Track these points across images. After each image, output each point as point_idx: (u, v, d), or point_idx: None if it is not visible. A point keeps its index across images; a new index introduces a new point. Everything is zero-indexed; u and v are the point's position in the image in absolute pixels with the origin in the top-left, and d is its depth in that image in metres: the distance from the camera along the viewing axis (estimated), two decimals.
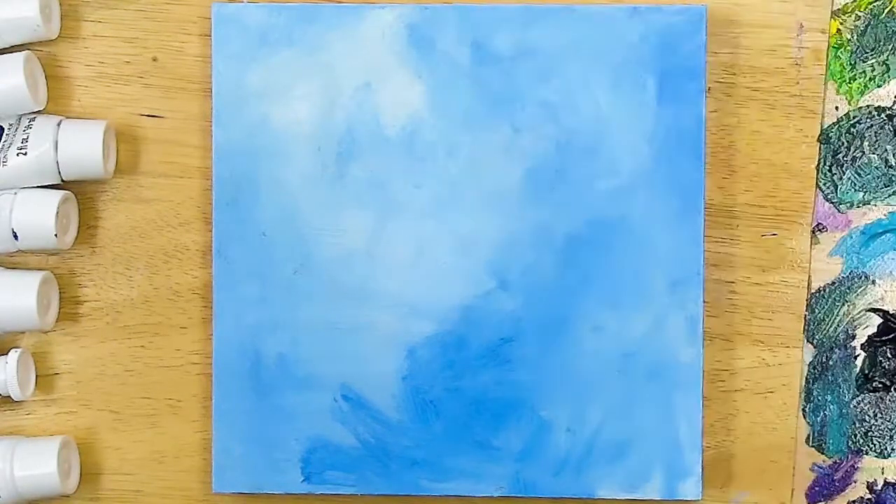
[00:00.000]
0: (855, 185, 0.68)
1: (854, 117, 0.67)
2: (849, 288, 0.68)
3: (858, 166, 0.68)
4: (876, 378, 0.68)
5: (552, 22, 0.65)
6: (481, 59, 0.66)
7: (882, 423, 0.68)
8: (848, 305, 0.68)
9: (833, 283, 0.68)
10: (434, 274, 0.66)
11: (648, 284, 0.66)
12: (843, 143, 0.67)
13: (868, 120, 0.67)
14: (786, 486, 0.68)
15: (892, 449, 0.68)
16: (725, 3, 0.67)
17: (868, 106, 0.68)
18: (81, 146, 0.65)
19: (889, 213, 0.68)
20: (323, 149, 0.66)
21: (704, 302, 0.66)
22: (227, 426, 0.66)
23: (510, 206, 0.66)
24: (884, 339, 0.68)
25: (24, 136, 0.65)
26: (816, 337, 0.68)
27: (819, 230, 0.68)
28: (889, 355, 0.68)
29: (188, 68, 0.68)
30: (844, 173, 0.68)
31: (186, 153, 0.68)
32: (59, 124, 0.65)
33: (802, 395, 0.68)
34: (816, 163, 0.67)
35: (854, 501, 0.69)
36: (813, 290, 0.68)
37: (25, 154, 0.65)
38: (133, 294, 0.68)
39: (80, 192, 0.68)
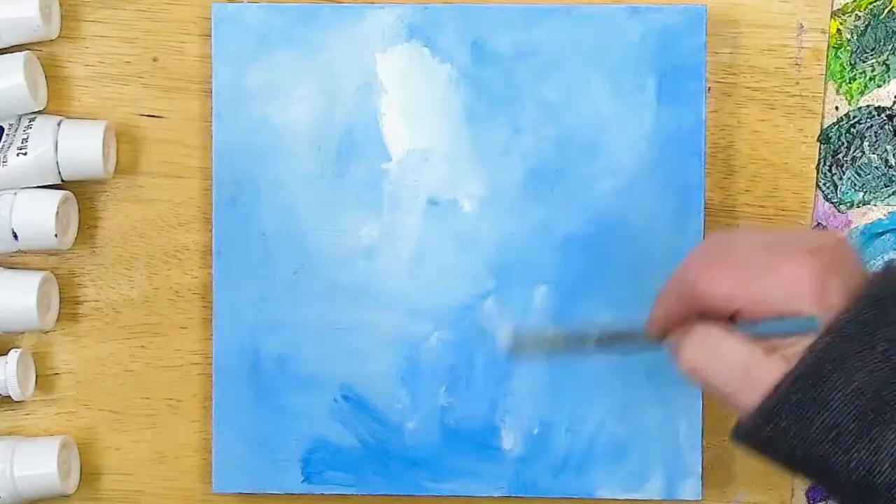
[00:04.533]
0: (855, 185, 0.68)
1: (854, 117, 0.67)
2: None
3: (858, 166, 0.68)
4: None
5: (552, 22, 0.65)
6: (481, 59, 0.66)
7: None
8: None
9: None
10: (434, 274, 0.66)
11: (648, 284, 0.65)
12: (843, 143, 0.68)
13: (868, 120, 0.67)
14: (786, 486, 0.68)
15: None
16: (725, 3, 0.67)
17: (868, 106, 0.68)
18: (81, 146, 0.65)
19: (889, 213, 0.68)
20: (323, 149, 0.66)
21: None
22: (227, 426, 0.66)
23: (510, 206, 0.66)
24: None
25: (24, 136, 0.65)
26: None
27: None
28: None
29: (188, 68, 0.68)
30: (844, 173, 0.68)
31: (186, 153, 0.68)
32: (59, 124, 0.65)
33: None
34: (816, 163, 0.67)
35: None
36: None
37: (25, 154, 0.65)
38: (133, 294, 0.68)
39: (80, 192, 0.68)
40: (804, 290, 0.50)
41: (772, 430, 0.48)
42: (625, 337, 0.58)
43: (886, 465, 0.46)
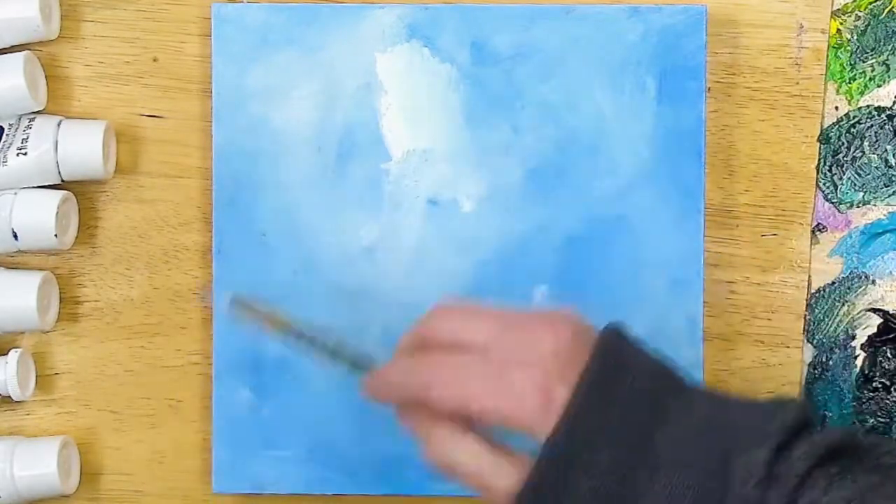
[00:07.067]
0: (855, 185, 0.68)
1: (854, 117, 0.67)
2: (849, 288, 0.68)
3: (858, 166, 0.68)
4: (876, 378, 0.68)
5: (552, 22, 0.65)
6: (481, 59, 0.66)
7: (882, 423, 0.68)
8: (848, 305, 0.68)
9: (833, 283, 0.68)
10: (434, 274, 0.66)
11: (648, 284, 0.66)
12: (843, 143, 0.68)
13: (868, 120, 0.67)
14: None
15: None
16: (725, 3, 0.67)
17: (868, 106, 0.68)
18: (81, 146, 0.65)
19: (889, 213, 0.68)
20: (323, 149, 0.66)
21: (704, 302, 0.66)
22: (227, 426, 0.66)
23: (510, 206, 0.66)
24: (884, 339, 0.68)
25: (24, 136, 0.65)
26: (816, 337, 0.68)
27: (819, 230, 0.68)
28: (889, 355, 0.68)
29: (188, 68, 0.68)
30: (844, 173, 0.68)
31: (186, 153, 0.68)
32: (59, 124, 0.65)
33: (802, 395, 0.68)
34: (816, 163, 0.67)
35: None
36: (813, 290, 0.68)
37: (25, 154, 0.65)
38: (133, 294, 0.68)
39: (80, 192, 0.68)
40: (529, 404, 0.51)
41: None
42: (350, 364, 0.59)
43: None
